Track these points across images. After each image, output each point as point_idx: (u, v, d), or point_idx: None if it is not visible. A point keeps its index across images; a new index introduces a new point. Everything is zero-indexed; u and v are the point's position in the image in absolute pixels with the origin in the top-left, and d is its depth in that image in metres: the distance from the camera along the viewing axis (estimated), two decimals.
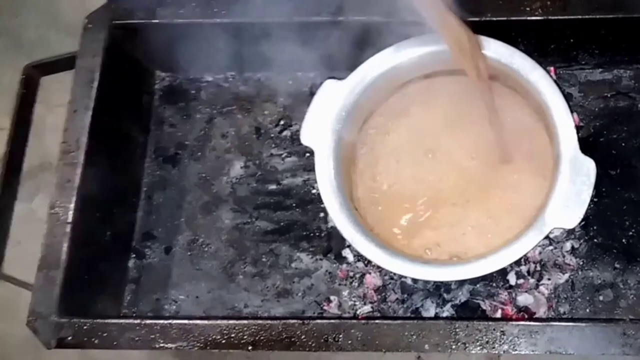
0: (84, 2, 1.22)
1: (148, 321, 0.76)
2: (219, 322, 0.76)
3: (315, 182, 0.89)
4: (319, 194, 0.88)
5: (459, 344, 0.72)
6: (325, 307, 0.87)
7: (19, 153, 0.87)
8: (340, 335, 0.73)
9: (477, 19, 0.80)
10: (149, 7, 0.86)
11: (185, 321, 0.76)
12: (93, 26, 0.85)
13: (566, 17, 0.82)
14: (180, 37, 0.88)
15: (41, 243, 0.80)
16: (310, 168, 0.91)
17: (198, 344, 0.75)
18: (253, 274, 0.89)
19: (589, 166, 0.71)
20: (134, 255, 0.91)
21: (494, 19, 0.81)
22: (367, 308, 0.86)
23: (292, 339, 0.73)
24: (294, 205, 0.91)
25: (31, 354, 1.06)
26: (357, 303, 0.86)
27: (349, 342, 0.73)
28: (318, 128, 0.77)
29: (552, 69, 0.90)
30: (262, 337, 0.74)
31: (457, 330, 0.72)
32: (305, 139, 0.78)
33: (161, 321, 0.76)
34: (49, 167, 1.14)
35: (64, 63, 0.89)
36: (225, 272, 0.90)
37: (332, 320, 0.75)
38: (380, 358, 1.01)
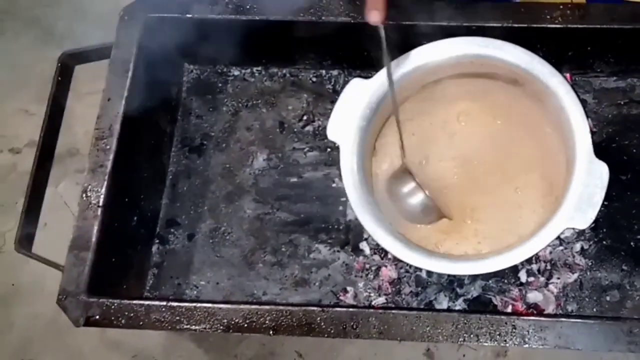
0: None
1: (173, 304, 0.78)
2: (241, 306, 0.78)
3: (335, 176, 0.93)
4: (338, 187, 0.92)
5: (471, 335, 0.74)
6: (341, 297, 0.89)
7: (52, 138, 0.90)
8: (358, 323, 0.75)
9: (499, 24, 0.82)
10: (184, 2, 0.88)
11: (209, 305, 0.78)
12: (129, 18, 0.87)
13: (585, 26, 0.84)
14: (210, 32, 0.90)
15: (73, 225, 0.82)
16: (330, 163, 0.94)
17: (221, 327, 0.77)
18: (272, 263, 0.92)
19: (602, 170, 0.74)
20: (157, 241, 0.94)
21: (516, 25, 0.82)
22: (381, 299, 0.88)
23: (312, 325, 0.76)
24: (314, 198, 0.93)
25: (54, 333, 1.09)
26: (372, 294, 0.89)
27: (366, 330, 0.75)
28: (344, 124, 0.80)
29: (568, 75, 0.92)
30: (282, 323, 0.76)
31: (471, 322, 0.74)
32: (332, 134, 0.80)
33: (186, 304, 0.78)
34: (75, 153, 1.17)
35: (98, 53, 0.91)
36: (246, 260, 0.92)
37: (350, 309, 0.77)
38: (390, 350, 1.05)
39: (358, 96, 0.80)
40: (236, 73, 0.99)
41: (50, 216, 0.92)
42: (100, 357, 1.08)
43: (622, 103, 0.92)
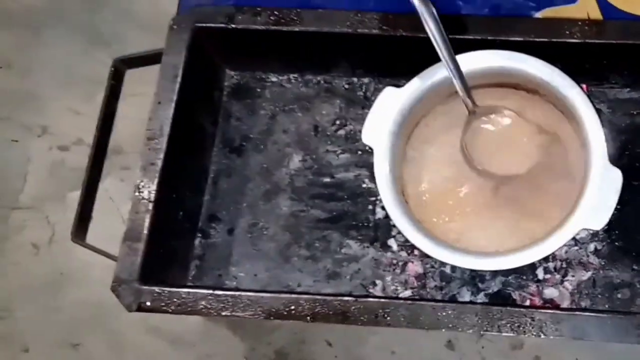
0: (156, 1, 1.33)
1: (219, 292, 0.84)
2: (282, 295, 0.84)
3: (366, 177, 0.98)
4: (368, 188, 0.97)
5: (493, 326, 0.79)
6: (370, 290, 0.94)
7: (105, 138, 0.97)
8: (389, 313, 0.81)
9: (521, 38, 0.88)
10: (229, 13, 0.93)
11: (252, 293, 0.84)
12: (178, 27, 0.93)
13: (602, 41, 0.88)
14: (252, 41, 0.96)
15: (127, 218, 0.88)
16: (361, 164, 0.99)
17: (263, 314, 0.83)
18: (306, 257, 0.97)
19: (616, 175, 0.79)
20: (199, 235, 0.99)
21: (537, 39, 0.88)
22: (408, 293, 0.93)
23: (347, 314, 0.81)
24: (346, 197, 0.98)
25: (99, 318, 1.16)
26: (399, 288, 0.94)
27: (396, 319, 0.81)
28: (377, 129, 0.86)
29: (584, 85, 0.96)
30: (319, 311, 0.82)
31: (493, 314, 0.79)
32: (366, 138, 0.86)
33: (231, 292, 0.84)
34: (120, 151, 1.24)
35: (148, 58, 0.98)
36: (281, 254, 0.97)
37: (382, 299, 0.83)
38: (414, 341, 1.11)
39: (390, 103, 0.86)
40: (274, 79, 1.04)
41: (96, 210, 0.97)
42: (142, 341, 1.14)
43: (635, 113, 0.97)
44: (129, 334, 1.15)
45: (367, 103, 1.00)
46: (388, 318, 0.81)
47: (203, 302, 0.84)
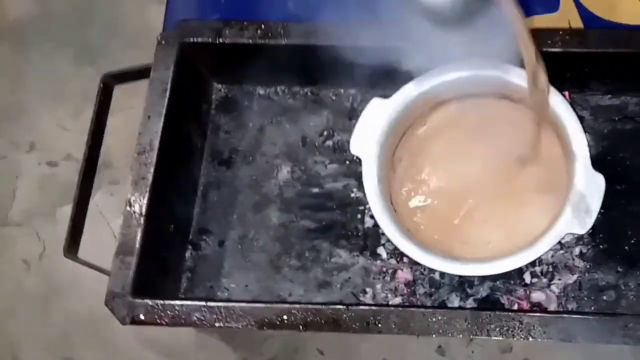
0: (143, 16, 1.34)
1: (211, 303, 0.85)
2: (274, 305, 0.85)
3: (354, 186, 0.99)
4: (357, 197, 0.99)
5: (483, 330, 0.81)
6: (361, 298, 0.95)
7: (95, 153, 0.97)
8: (380, 320, 0.82)
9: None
10: (216, 28, 0.95)
11: (244, 304, 0.85)
12: (165, 42, 0.94)
13: (583, 50, 0.90)
14: (239, 54, 0.97)
15: (119, 232, 0.89)
16: (349, 174, 1.00)
17: (256, 324, 0.84)
18: (297, 267, 0.98)
19: (599, 181, 0.81)
20: (190, 247, 1.00)
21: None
22: (398, 300, 0.94)
23: (339, 322, 0.82)
24: (335, 207, 0.99)
25: (91, 330, 1.16)
26: (389, 295, 0.95)
27: (387, 326, 0.82)
28: (365, 140, 0.87)
29: (567, 93, 0.97)
30: (312, 320, 0.83)
31: (482, 318, 0.81)
32: (354, 149, 0.88)
33: (223, 303, 0.85)
34: (109, 166, 1.25)
35: (136, 73, 0.99)
36: (272, 265, 0.98)
37: (373, 307, 0.85)
38: (404, 348, 1.12)
39: (378, 114, 0.88)
40: (261, 92, 1.06)
41: (86, 224, 0.97)
42: (135, 353, 1.15)
43: (616, 119, 0.99)
44: (122, 346, 1.16)
45: (354, 114, 1.02)
46: (379, 325, 0.82)
47: (196, 314, 0.85)
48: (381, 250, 0.97)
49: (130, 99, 1.00)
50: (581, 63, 0.93)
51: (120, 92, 1.01)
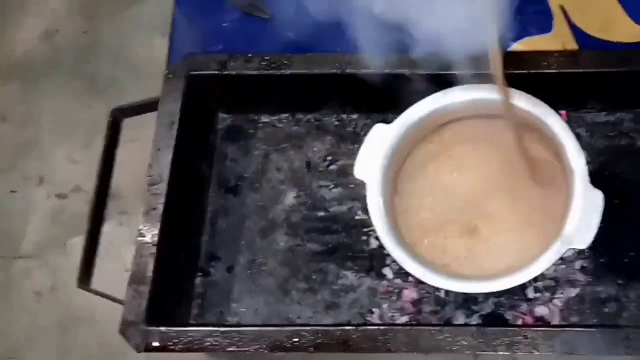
0: (148, 49, 1.37)
1: (224, 329, 0.87)
2: (285, 328, 0.87)
3: (359, 209, 1.01)
4: (362, 219, 1.01)
5: (489, 346, 0.83)
6: (368, 318, 0.97)
7: (105, 186, 1.00)
8: (389, 339, 0.84)
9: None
10: (222, 60, 0.98)
11: (256, 328, 0.88)
12: (173, 77, 0.97)
13: (577, 70, 0.94)
14: (245, 85, 1.00)
15: (131, 262, 0.91)
16: (354, 197, 1.02)
17: (268, 348, 0.85)
18: (305, 290, 0.99)
19: (598, 197, 0.84)
20: (200, 274, 1.01)
21: (516, 72, 0.91)
22: (404, 319, 0.96)
23: (348, 343, 0.84)
24: (340, 230, 1.01)
25: (107, 358, 1.18)
26: (396, 315, 0.96)
27: (396, 345, 0.84)
28: (369, 165, 0.90)
29: (564, 112, 1.00)
30: (322, 342, 0.85)
31: (488, 335, 0.83)
32: (359, 173, 0.91)
33: (236, 328, 0.87)
34: (118, 197, 1.26)
35: (144, 107, 1.01)
36: (281, 288, 1.00)
37: (381, 327, 0.87)
38: None
39: (380, 139, 0.91)
40: (266, 120, 1.08)
41: (97, 255, 0.99)
42: None
43: (612, 135, 1.01)
44: None
45: (357, 138, 1.04)
46: (388, 345, 0.84)
47: (209, 340, 0.87)
48: (387, 271, 0.99)
49: (136, 130, 1.01)
50: (576, 83, 0.96)
51: (126, 123, 1.04)
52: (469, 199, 0.93)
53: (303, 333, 0.86)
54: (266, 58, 0.98)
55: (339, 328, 0.86)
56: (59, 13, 1.48)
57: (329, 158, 1.06)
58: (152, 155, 0.95)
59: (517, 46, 1.03)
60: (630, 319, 0.94)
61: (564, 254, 0.86)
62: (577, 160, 0.86)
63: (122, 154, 1.05)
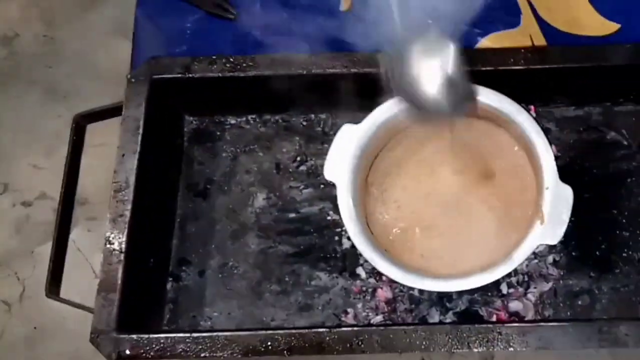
0: (112, 53, 1.35)
1: (195, 334, 0.85)
2: (258, 332, 0.86)
3: (330, 209, 1.01)
4: (333, 220, 1.00)
5: (464, 344, 0.83)
6: (342, 319, 0.96)
7: (71, 193, 0.98)
8: (363, 340, 0.84)
9: (469, 69, 0.92)
10: (185, 63, 0.96)
11: (228, 333, 0.86)
12: (136, 81, 0.96)
13: (544, 66, 0.94)
14: (209, 88, 0.99)
15: (99, 270, 0.89)
16: (324, 197, 1.02)
17: (241, 353, 0.85)
18: (278, 292, 0.99)
19: (567, 193, 0.85)
20: (171, 279, 1.00)
21: (483, 69, 0.92)
22: (379, 318, 0.96)
23: (322, 344, 0.84)
24: (312, 230, 1.01)
25: None
26: (370, 314, 0.96)
27: (370, 345, 0.83)
28: (338, 165, 0.89)
29: (532, 107, 1.01)
30: (295, 344, 0.84)
31: (462, 332, 0.83)
32: (328, 174, 0.90)
33: (208, 334, 0.86)
34: (84, 202, 1.25)
35: (108, 112, 1.00)
36: (253, 291, 0.99)
37: (355, 328, 0.86)
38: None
39: (349, 139, 0.90)
40: (233, 122, 1.07)
41: (65, 262, 0.98)
42: None
43: (581, 129, 1.02)
44: None
45: (325, 138, 1.04)
46: (362, 345, 0.84)
47: (181, 346, 0.86)
48: (360, 271, 0.98)
49: (102, 135, 1.00)
50: (544, 79, 0.96)
51: (91, 128, 1.02)
52: (439, 199, 0.93)
53: (276, 337, 0.85)
54: (230, 60, 0.96)
55: (312, 330, 0.86)
56: (16, 17, 1.45)
57: (298, 158, 1.05)
58: (117, 160, 0.93)
59: (485, 42, 1.03)
60: (603, 311, 0.95)
61: (536, 249, 0.87)
62: (546, 156, 0.86)
63: (87, 160, 1.03)
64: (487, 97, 0.88)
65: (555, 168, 0.85)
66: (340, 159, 0.89)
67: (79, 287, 0.93)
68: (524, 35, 1.03)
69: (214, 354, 0.85)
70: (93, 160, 1.06)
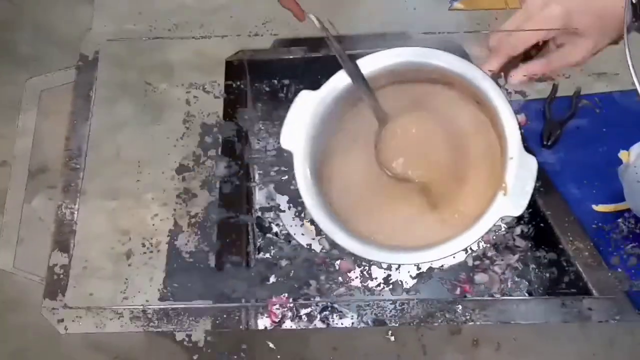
0: (74, 17, 1.31)
1: (151, 306, 0.85)
2: (215, 305, 0.86)
3: (294, 179, 0.99)
4: (296, 190, 0.98)
5: (427, 318, 0.83)
6: (305, 291, 0.94)
7: (30, 159, 0.96)
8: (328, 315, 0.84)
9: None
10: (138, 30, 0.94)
11: (185, 305, 0.86)
12: (91, 45, 0.94)
13: None
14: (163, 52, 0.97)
15: (51, 240, 0.88)
16: (288, 166, 1.00)
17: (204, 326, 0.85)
18: (239, 263, 0.97)
19: (531, 162, 0.81)
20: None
21: (446, 32, 0.91)
22: (342, 290, 0.94)
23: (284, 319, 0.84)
24: None
25: (45, 341, 1.14)
26: (333, 286, 0.95)
27: (334, 318, 0.84)
28: (295, 133, 0.86)
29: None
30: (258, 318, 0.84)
31: (426, 306, 0.83)
32: (285, 143, 0.87)
33: (166, 306, 0.85)
34: (45, 170, 1.22)
35: (62, 77, 0.97)
36: (215, 263, 0.96)
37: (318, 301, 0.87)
38: (354, 338, 1.12)
39: (307, 106, 0.87)
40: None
41: (26, 231, 0.97)
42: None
43: None
44: (75, 354, 1.14)
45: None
46: (327, 320, 0.86)
47: (140, 320, 0.86)
48: (323, 242, 0.97)
49: (61, 103, 0.97)
50: None
51: (51, 94, 1.00)
52: (400, 169, 0.89)
53: (233, 309, 0.84)
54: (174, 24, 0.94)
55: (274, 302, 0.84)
56: None
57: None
58: (69, 127, 0.91)
59: (458, 4, 1.01)
60: (570, 284, 0.92)
61: (504, 219, 0.86)
62: (510, 125, 0.83)
63: (47, 126, 1.00)
64: (449, 62, 0.85)
65: (519, 137, 0.82)
66: (298, 127, 0.86)
67: (41, 256, 0.90)
68: None
69: (172, 327, 0.86)
70: (53, 128, 1.02)
